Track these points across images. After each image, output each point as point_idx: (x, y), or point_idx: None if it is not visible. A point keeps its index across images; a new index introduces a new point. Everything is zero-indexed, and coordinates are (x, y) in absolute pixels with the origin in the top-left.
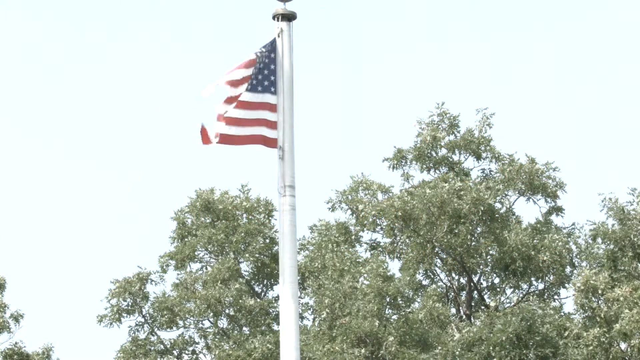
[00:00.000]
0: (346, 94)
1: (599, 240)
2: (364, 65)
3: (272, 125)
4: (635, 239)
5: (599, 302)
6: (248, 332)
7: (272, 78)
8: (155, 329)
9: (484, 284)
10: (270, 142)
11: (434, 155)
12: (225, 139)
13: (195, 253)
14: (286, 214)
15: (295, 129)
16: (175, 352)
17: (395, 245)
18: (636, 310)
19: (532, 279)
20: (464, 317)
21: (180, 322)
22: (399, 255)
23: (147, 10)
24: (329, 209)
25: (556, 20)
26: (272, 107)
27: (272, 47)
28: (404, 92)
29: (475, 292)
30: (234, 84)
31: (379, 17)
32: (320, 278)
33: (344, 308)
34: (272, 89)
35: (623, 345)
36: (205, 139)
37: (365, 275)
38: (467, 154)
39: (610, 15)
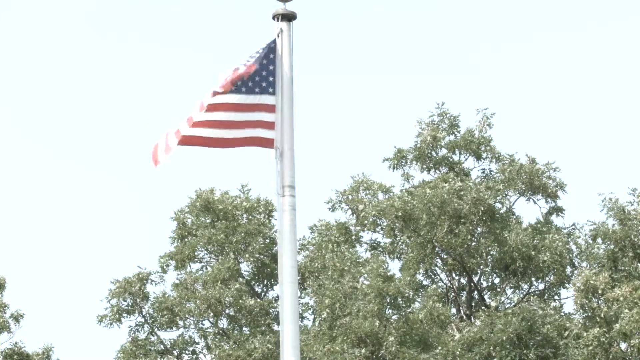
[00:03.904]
0: (346, 94)
1: (599, 240)
2: (364, 65)
3: (269, 125)
4: (636, 239)
5: (599, 302)
6: (248, 332)
7: (271, 79)
8: (155, 329)
9: (484, 284)
10: (267, 143)
11: (434, 155)
12: (192, 140)
13: (195, 253)
14: (286, 214)
15: (295, 129)
16: (175, 352)
17: (395, 245)
18: (636, 310)
19: (533, 279)
20: (464, 317)
21: (180, 322)
22: (399, 255)
23: (146, 10)
24: (329, 209)
25: (556, 20)
26: (270, 108)
27: (270, 47)
28: (404, 92)
29: (476, 292)
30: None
31: (379, 16)
32: (320, 278)
33: (344, 308)
34: (271, 90)
35: (623, 345)
36: (157, 158)
37: (366, 275)
38: (467, 154)
39: (611, 16)
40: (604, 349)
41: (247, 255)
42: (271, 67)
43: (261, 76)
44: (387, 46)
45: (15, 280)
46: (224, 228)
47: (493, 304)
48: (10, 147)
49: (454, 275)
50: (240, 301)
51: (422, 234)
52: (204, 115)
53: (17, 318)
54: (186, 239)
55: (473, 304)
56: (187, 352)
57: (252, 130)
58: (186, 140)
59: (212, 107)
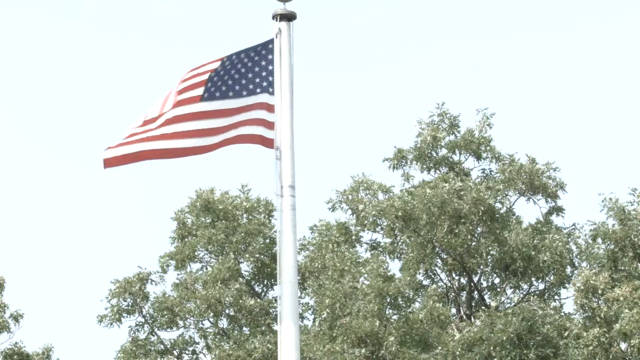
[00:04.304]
0: (346, 94)
1: (599, 240)
2: (365, 65)
3: (270, 125)
4: (636, 239)
5: (599, 302)
6: (248, 332)
7: (271, 79)
8: (156, 329)
9: (484, 284)
10: (267, 143)
11: (434, 155)
12: (174, 153)
13: (196, 253)
14: (286, 214)
15: (295, 129)
16: (175, 352)
17: (395, 245)
18: (636, 310)
19: (533, 279)
20: (465, 317)
21: (181, 322)
22: (399, 255)
23: (146, 10)
24: (329, 209)
25: (556, 20)
26: (270, 108)
27: (269, 48)
28: (404, 92)
29: (476, 292)
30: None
31: (379, 16)
32: (320, 278)
33: (344, 308)
34: (271, 90)
35: (623, 345)
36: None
37: (366, 275)
38: (468, 154)
39: (611, 16)
40: (604, 349)
41: (247, 255)
42: (270, 68)
43: (261, 77)
44: (387, 46)
45: (15, 280)
46: (224, 228)
47: (493, 304)
48: (10, 147)
49: (454, 275)
50: (240, 301)
51: (422, 234)
52: (193, 124)
53: (17, 318)
54: (186, 239)
55: (473, 304)
56: (187, 352)
57: (252, 128)
58: (168, 153)
59: (203, 115)
